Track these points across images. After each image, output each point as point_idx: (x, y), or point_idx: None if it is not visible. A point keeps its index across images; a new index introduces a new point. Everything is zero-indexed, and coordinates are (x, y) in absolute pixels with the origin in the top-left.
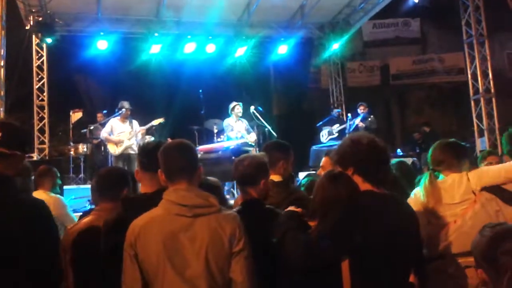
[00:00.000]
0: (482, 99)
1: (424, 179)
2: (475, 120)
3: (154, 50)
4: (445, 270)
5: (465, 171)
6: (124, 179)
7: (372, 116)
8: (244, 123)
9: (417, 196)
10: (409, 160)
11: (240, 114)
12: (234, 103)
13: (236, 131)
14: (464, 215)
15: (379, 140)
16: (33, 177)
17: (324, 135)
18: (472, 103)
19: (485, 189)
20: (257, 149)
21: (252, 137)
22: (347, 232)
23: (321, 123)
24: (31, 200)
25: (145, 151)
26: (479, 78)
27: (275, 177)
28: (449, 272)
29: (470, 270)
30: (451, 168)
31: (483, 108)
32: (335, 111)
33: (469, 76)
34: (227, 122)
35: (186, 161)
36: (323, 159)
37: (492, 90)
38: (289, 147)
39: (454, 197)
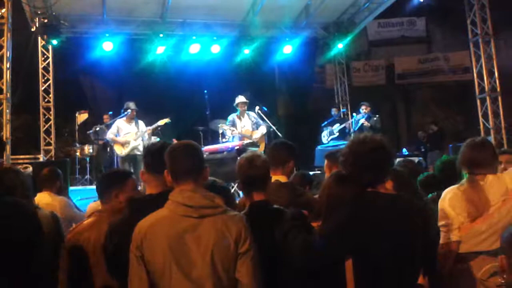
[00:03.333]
0: (488, 98)
1: (467, 181)
2: (481, 119)
3: (159, 51)
4: (472, 273)
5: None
6: (121, 182)
7: (377, 115)
8: (250, 119)
9: (450, 197)
10: (415, 160)
11: (245, 110)
12: (238, 100)
13: (235, 133)
14: (500, 209)
15: (383, 140)
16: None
17: (325, 136)
18: (478, 102)
19: None
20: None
21: (258, 134)
22: (349, 232)
23: (325, 123)
24: (12, 200)
25: (151, 152)
26: (485, 77)
27: (281, 178)
28: (478, 276)
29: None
30: (487, 169)
31: (489, 107)
32: (335, 111)
33: (475, 75)
34: (231, 117)
35: (193, 162)
36: (325, 161)
37: (498, 89)
38: (296, 147)
39: (495, 198)
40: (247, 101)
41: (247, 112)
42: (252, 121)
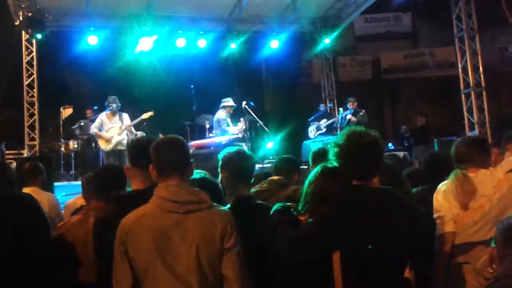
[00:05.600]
0: (472, 93)
1: (455, 174)
2: (465, 113)
3: (145, 46)
4: (470, 264)
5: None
6: (122, 179)
7: (363, 110)
8: (241, 123)
9: (444, 190)
10: (400, 154)
11: (230, 113)
12: (227, 102)
13: (236, 128)
14: (492, 199)
15: (377, 135)
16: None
17: (312, 131)
18: (463, 97)
19: None
20: (248, 143)
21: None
22: (336, 226)
23: (312, 118)
24: (18, 194)
25: (136, 147)
26: (469, 72)
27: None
28: (476, 267)
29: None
30: (479, 164)
31: (473, 102)
32: (323, 106)
33: (460, 70)
34: (223, 115)
35: (178, 157)
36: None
37: (483, 84)
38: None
39: (487, 190)
40: (234, 105)
41: (229, 116)
42: (239, 127)
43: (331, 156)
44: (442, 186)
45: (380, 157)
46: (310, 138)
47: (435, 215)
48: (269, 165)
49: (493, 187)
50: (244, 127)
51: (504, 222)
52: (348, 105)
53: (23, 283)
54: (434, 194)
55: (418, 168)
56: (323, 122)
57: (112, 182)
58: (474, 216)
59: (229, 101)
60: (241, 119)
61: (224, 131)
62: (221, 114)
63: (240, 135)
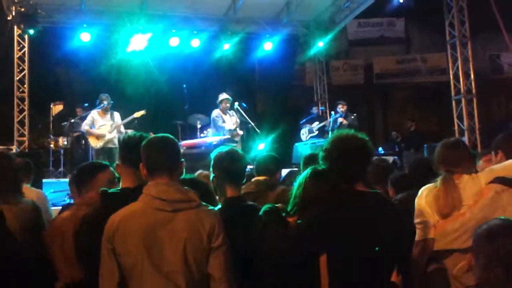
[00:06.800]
0: (463, 100)
1: (442, 179)
2: (456, 120)
3: (138, 44)
4: (447, 270)
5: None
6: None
7: (354, 114)
8: (234, 117)
9: (427, 194)
10: (390, 159)
11: (227, 109)
12: (223, 96)
13: (232, 123)
14: (472, 208)
15: (365, 138)
16: None
17: (304, 134)
18: (454, 103)
19: (497, 180)
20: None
21: (239, 132)
22: (324, 228)
23: (304, 120)
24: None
25: (127, 145)
26: (461, 79)
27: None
28: (452, 273)
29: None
30: (463, 168)
31: (464, 109)
32: (315, 109)
33: (451, 76)
34: (217, 113)
35: (168, 156)
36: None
37: (474, 91)
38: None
39: (468, 197)
40: (231, 98)
41: (227, 111)
42: (233, 121)
43: (319, 160)
44: (425, 190)
45: (366, 160)
46: (302, 141)
47: (416, 220)
48: None
49: (474, 195)
50: (237, 120)
51: (477, 229)
52: (338, 108)
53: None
54: (416, 199)
55: (405, 173)
56: (316, 125)
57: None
58: (453, 224)
59: (222, 95)
60: (232, 112)
61: (220, 128)
62: (215, 112)
63: (238, 131)
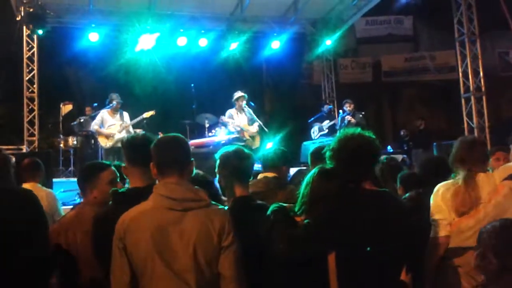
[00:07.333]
0: (472, 98)
1: (464, 177)
2: (465, 118)
3: (146, 44)
4: (458, 267)
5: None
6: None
7: (362, 112)
8: (247, 115)
9: (443, 191)
10: (399, 157)
11: (243, 106)
12: (238, 94)
13: (235, 125)
14: (487, 206)
15: (371, 137)
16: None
17: (315, 132)
18: (463, 101)
19: (511, 177)
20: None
21: (253, 128)
22: (332, 227)
23: (312, 119)
24: (19, 190)
25: (132, 145)
26: (470, 77)
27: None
28: (465, 270)
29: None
30: (479, 166)
31: (473, 106)
32: (326, 107)
33: (460, 74)
34: (230, 113)
35: (178, 155)
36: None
37: (483, 89)
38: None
39: (484, 195)
40: (244, 95)
41: (243, 107)
42: (248, 117)
43: (327, 159)
44: (442, 187)
45: (372, 159)
46: (312, 139)
47: (432, 218)
48: None
49: (488, 193)
50: (257, 129)
51: (482, 230)
52: (345, 107)
53: (22, 280)
54: (433, 195)
55: (414, 172)
56: (326, 123)
57: (86, 179)
58: (468, 222)
59: (237, 93)
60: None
61: (229, 131)
62: (230, 111)
63: (252, 128)
